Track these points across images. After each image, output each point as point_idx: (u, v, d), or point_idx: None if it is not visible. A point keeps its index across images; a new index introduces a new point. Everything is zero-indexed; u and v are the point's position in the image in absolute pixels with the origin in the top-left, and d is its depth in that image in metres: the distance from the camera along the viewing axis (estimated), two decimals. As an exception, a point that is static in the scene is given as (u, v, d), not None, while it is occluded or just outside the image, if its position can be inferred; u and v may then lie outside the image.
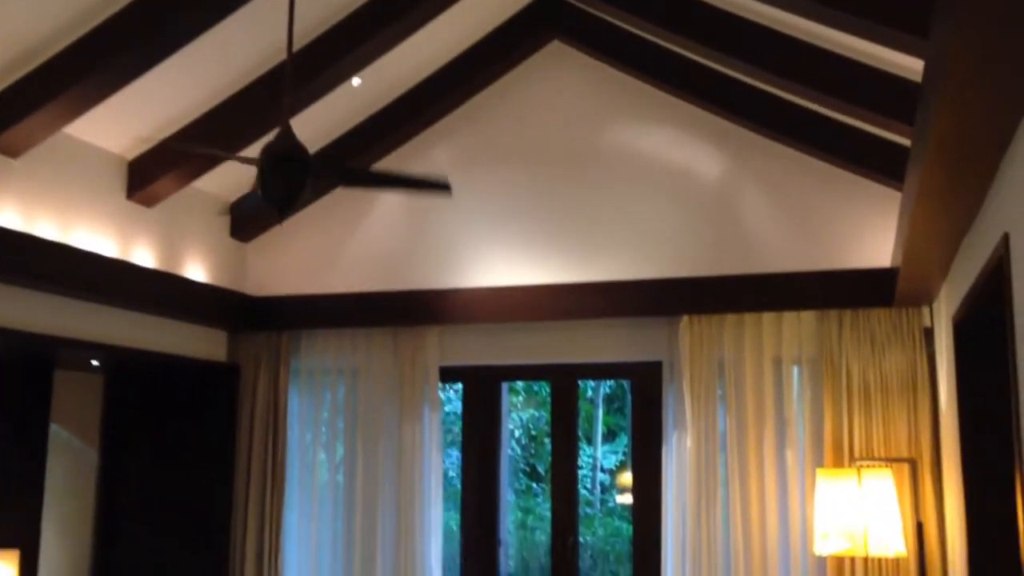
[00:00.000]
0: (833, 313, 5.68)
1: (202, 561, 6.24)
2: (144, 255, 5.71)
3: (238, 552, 6.39)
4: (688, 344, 5.87)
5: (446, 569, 9.55)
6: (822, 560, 5.52)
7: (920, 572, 5.24)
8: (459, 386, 6.90)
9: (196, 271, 6.15)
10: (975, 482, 4.27)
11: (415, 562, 6.26)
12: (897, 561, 5.36)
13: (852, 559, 5.39)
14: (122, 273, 5.44)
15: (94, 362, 6.01)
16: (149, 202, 5.74)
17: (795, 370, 5.93)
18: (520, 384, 10.50)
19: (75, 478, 6.31)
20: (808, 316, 5.76)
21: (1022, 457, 3.05)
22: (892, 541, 5.15)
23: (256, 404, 6.52)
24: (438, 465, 6.42)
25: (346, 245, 6.59)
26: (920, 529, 5.28)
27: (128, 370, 6.40)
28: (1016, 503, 3.12)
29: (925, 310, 5.56)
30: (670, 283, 5.93)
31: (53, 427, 6.05)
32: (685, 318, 5.88)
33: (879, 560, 5.35)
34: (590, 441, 10.75)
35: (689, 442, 5.83)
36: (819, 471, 5.45)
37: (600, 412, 10.97)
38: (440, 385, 6.43)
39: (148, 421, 6.48)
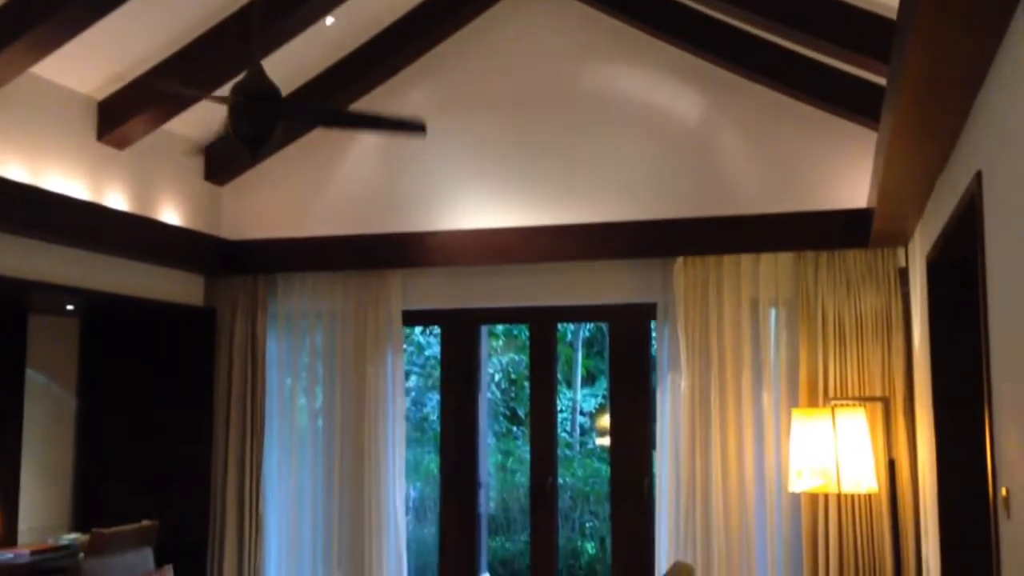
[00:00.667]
0: (809, 254, 5.71)
1: (184, 504, 6.27)
2: (116, 198, 5.64)
3: (219, 495, 6.43)
4: (682, 285, 5.86)
5: (427, 510, 9.70)
6: (797, 497, 5.60)
7: (891, 508, 5.34)
8: (438, 330, 6.92)
9: (170, 214, 6.09)
10: (946, 420, 4.33)
11: (379, 502, 6.32)
12: (869, 497, 5.45)
13: (825, 496, 5.49)
14: (94, 216, 5.39)
15: (69, 307, 5.98)
16: (120, 144, 5.66)
17: (772, 311, 5.97)
18: (500, 328, 10.52)
19: (54, 424, 6.31)
20: (785, 258, 5.78)
21: (991, 395, 3.09)
22: (864, 478, 5.23)
23: (234, 348, 6.51)
24: (401, 407, 6.47)
25: (322, 188, 6.54)
26: (892, 466, 5.36)
27: (104, 315, 6.37)
28: (985, 440, 3.16)
29: (900, 251, 5.59)
30: (649, 225, 5.92)
31: (29, 373, 6.02)
32: (680, 260, 5.87)
33: (852, 496, 5.44)
34: (570, 384, 10.82)
35: (684, 384, 5.85)
36: (794, 411, 5.51)
37: (580, 355, 11.03)
38: (421, 329, 6.43)
39: (126, 366, 6.47)
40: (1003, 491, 2.92)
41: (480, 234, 6.15)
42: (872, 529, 5.47)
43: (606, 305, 6.38)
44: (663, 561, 5.88)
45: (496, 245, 6.12)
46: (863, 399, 5.50)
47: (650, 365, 6.80)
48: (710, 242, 5.84)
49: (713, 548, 5.73)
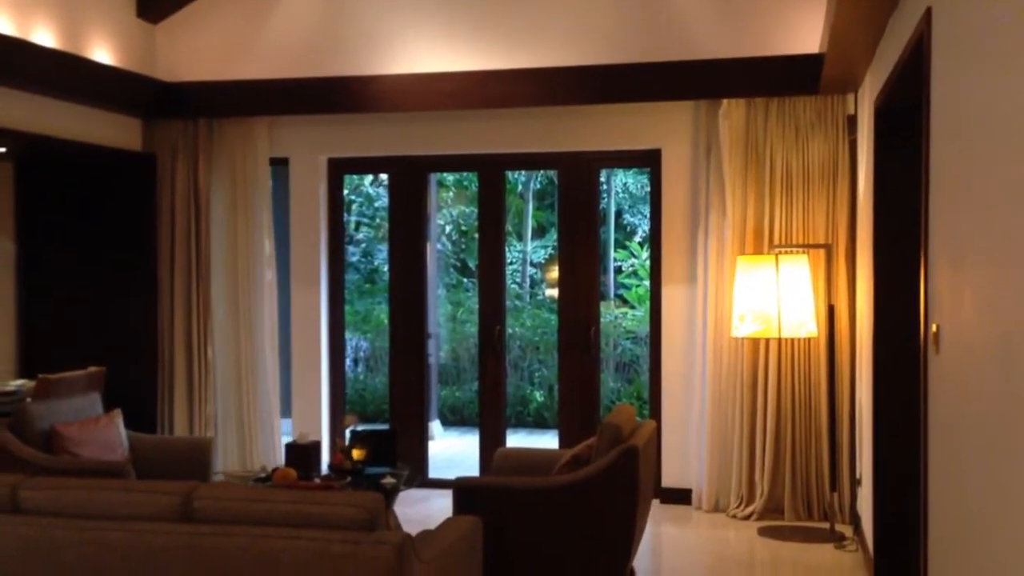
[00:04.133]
0: (760, 101, 5.66)
1: (132, 350, 6.25)
2: (43, 35, 5.37)
3: (167, 340, 6.40)
4: (729, 130, 5.67)
5: (378, 361, 9.82)
6: (743, 342, 5.71)
7: (829, 352, 5.49)
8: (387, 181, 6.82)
9: (102, 53, 5.82)
10: (884, 263, 4.41)
11: (253, 348, 6.44)
12: (808, 342, 5.60)
13: (767, 340, 5.62)
14: (19, 52, 5.12)
15: (0, 149, 5.76)
16: (45, -24, 5.35)
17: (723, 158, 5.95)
18: (451, 180, 10.42)
19: (-7, 268, 6.19)
20: (735, 104, 5.72)
21: (928, 236, 3.13)
22: (805, 323, 5.36)
23: (176, 195, 6.37)
24: (267, 253, 6.48)
25: (262, 28, 6.27)
26: (832, 311, 5.49)
27: (40, 159, 6.17)
28: (919, 285, 3.22)
29: (850, 97, 5.56)
30: (600, 70, 5.79)
31: (-37, 218, 5.86)
32: (725, 103, 5.69)
33: (792, 341, 5.58)
34: (520, 236, 10.83)
35: (730, 231, 5.71)
36: (739, 258, 5.58)
37: (530, 207, 11.00)
38: (371, 179, 6.33)
39: (66, 212, 6.31)
40: (933, 327, 2.99)
41: (429, 78, 5.98)
42: (810, 373, 5.64)
43: (555, 153, 6.33)
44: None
45: (445, 90, 5.96)
46: (807, 246, 5.57)
47: (599, 215, 6.82)
48: (661, 88, 5.75)
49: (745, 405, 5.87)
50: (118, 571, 2.98)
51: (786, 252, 5.51)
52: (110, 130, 6.09)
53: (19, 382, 5.84)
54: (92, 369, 5.70)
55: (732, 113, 5.71)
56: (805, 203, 5.63)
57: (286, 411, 6.73)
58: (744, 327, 5.42)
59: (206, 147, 6.35)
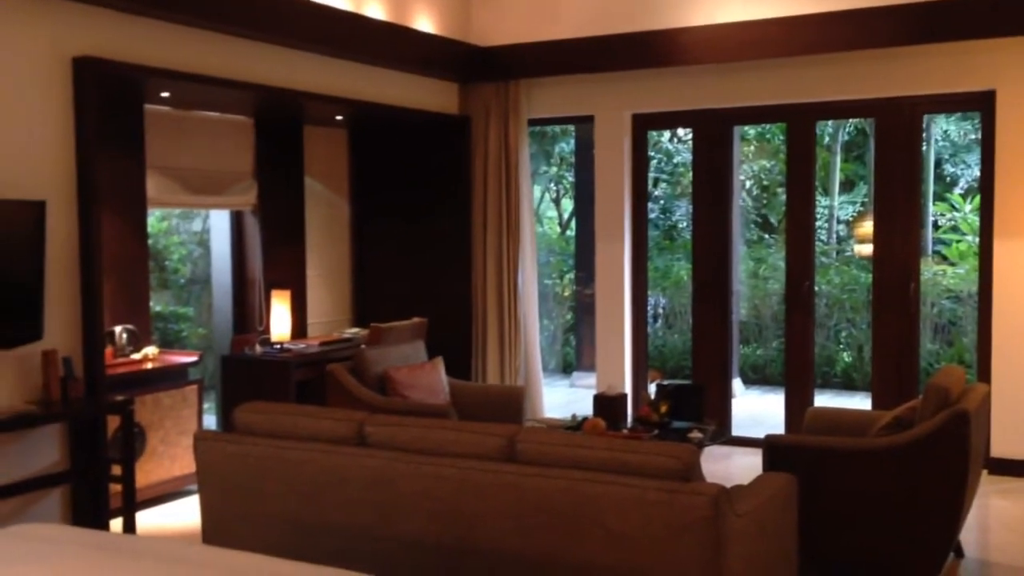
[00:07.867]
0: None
1: (449, 302, 6.67)
2: (374, 8, 5.79)
3: (480, 294, 6.77)
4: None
5: (676, 317, 9.81)
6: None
7: None
8: (682, 137, 6.74)
9: (424, 22, 6.19)
10: None
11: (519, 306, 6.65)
12: None
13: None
14: (356, 26, 5.58)
15: (338, 117, 6.30)
16: (373, -47, 5.76)
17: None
18: (751, 132, 10.12)
19: (331, 228, 6.79)
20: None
21: None
22: None
23: (488, 155, 6.68)
24: (530, 204, 6.64)
25: (568, -13, 6.38)
26: None
27: (369, 125, 6.69)
28: None
29: None
30: (924, 7, 5.35)
31: (308, 180, 6.48)
32: None
33: None
34: (826, 191, 10.34)
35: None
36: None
37: (838, 160, 10.45)
38: (669, 135, 6.28)
39: (391, 172, 6.81)
40: None
41: (733, 28, 5.82)
42: None
43: (871, 100, 5.96)
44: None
45: (751, 39, 5.78)
46: None
47: (922, 165, 6.36)
48: (997, 21, 5.22)
49: None
50: (451, 503, 3.21)
51: None
52: (430, 95, 6.49)
53: (354, 330, 6.42)
54: (416, 320, 6.15)
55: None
56: None
57: (589, 365, 6.93)
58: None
59: (515, 107, 6.59)
